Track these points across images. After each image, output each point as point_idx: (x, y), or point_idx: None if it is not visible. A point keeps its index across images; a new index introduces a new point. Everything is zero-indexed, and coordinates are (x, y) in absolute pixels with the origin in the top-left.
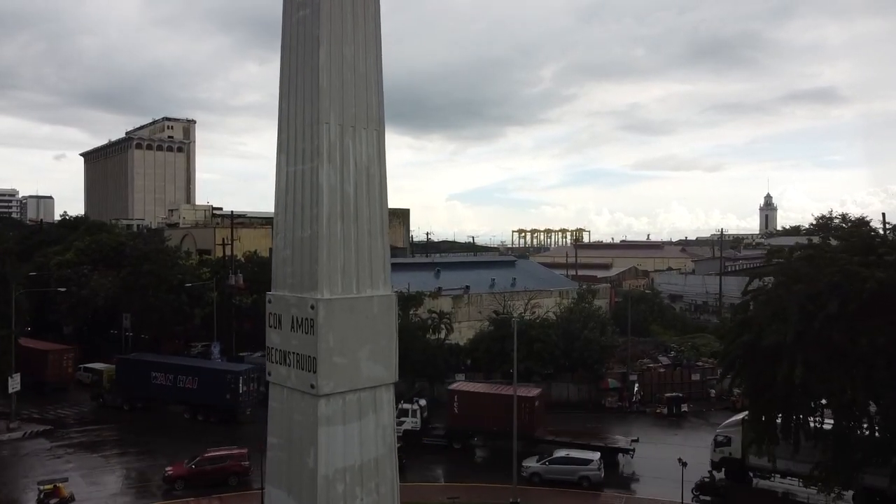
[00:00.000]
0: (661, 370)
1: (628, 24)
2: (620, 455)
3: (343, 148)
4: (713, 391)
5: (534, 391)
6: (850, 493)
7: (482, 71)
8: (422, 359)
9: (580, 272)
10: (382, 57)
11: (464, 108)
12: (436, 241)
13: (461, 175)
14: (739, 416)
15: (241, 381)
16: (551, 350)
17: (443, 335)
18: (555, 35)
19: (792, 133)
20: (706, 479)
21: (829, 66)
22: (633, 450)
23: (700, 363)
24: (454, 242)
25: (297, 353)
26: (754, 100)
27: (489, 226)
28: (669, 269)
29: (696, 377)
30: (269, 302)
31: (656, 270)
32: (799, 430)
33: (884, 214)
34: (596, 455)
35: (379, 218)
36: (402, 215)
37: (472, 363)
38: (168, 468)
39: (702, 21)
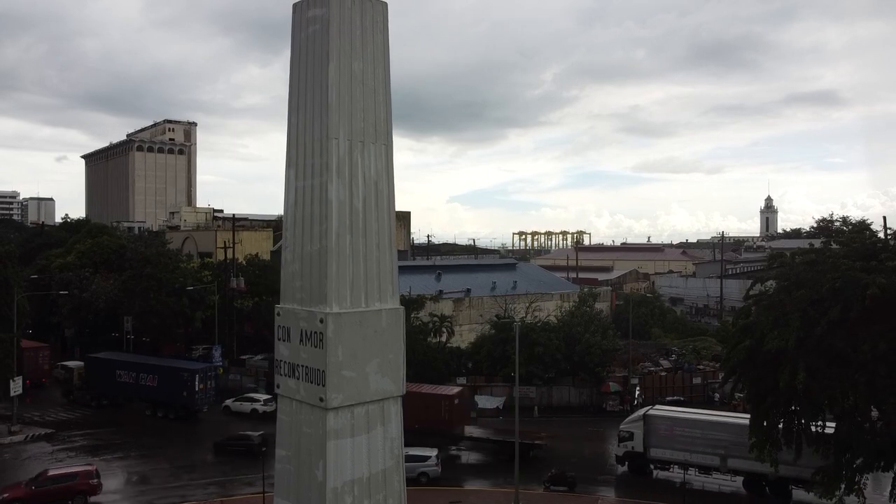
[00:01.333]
0: (663, 374)
1: (629, 27)
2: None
3: (352, 163)
4: (717, 395)
5: (454, 390)
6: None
7: (483, 73)
8: (423, 362)
9: (581, 275)
10: (390, 69)
11: (464, 111)
12: (436, 243)
13: (462, 177)
14: (641, 412)
15: (196, 379)
16: (553, 353)
17: (444, 339)
18: (556, 37)
19: (793, 135)
20: (555, 472)
21: (830, 68)
22: (545, 444)
23: (701, 367)
24: (455, 245)
25: (307, 367)
26: (755, 102)
27: (490, 228)
28: (670, 271)
29: (697, 381)
30: (278, 315)
31: (657, 273)
32: (801, 434)
33: (885, 218)
34: (433, 451)
35: (387, 231)
36: (403, 218)
37: (473, 367)
38: (4, 491)
39: (703, 23)
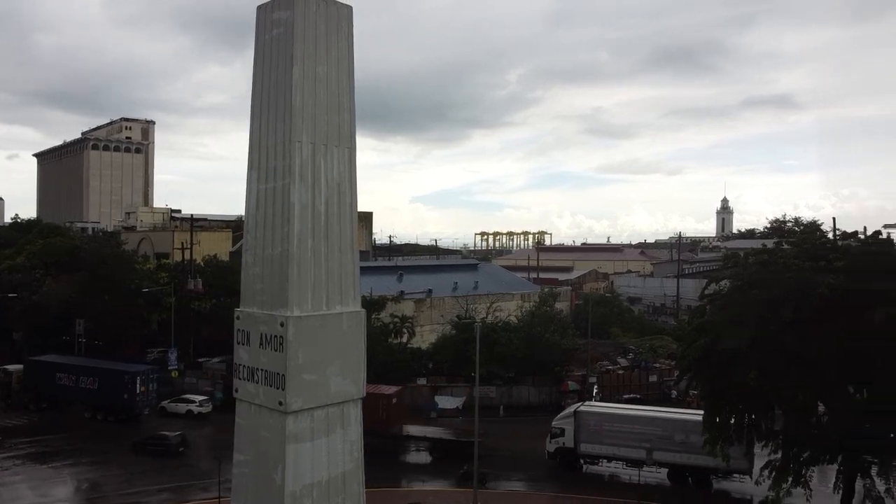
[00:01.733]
0: (620, 372)
1: (594, 30)
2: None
3: (315, 166)
4: (674, 392)
5: (391, 389)
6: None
7: (449, 74)
8: (384, 364)
9: (542, 275)
10: (354, 72)
11: (429, 111)
12: (399, 243)
13: (425, 177)
14: (572, 409)
15: (138, 381)
16: (513, 353)
17: (405, 339)
18: (522, 39)
19: (751, 138)
20: (467, 468)
21: (786, 72)
22: (481, 441)
23: (657, 364)
24: (417, 245)
25: (266, 370)
26: (716, 105)
27: (453, 228)
28: (629, 271)
29: (653, 378)
30: (238, 318)
31: (616, 273)
32: (752, 430)
33: (834, 220)
34: None
35: (349, 235)
36: (365, 218)
37: (434, 367)
38: None
39: (667, 28)
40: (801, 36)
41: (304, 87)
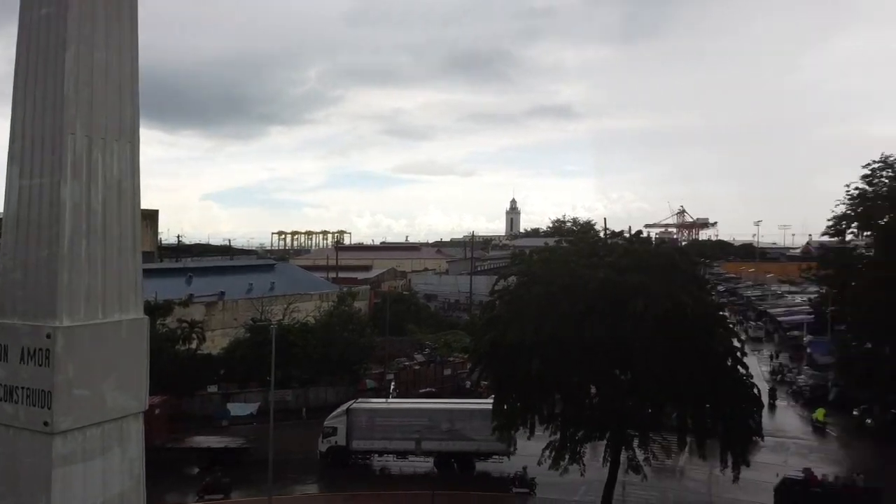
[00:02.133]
0: (416, 367)
1: (394, 32)
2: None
3: (91, 161)
4: (468, 383)
5: (154, 400)
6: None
7: (245, 67)
8: (171, 372)
9: (341, 274)
10: (139, 60)
11: (223, 104)
12: (188, 243)
13: (218, 174)
14: (344, 407)
15: None
16: (310, 354)
17: (194, 345)
18: (322, 36)
19: (537, 144)
20: (209, 480)
21: (567, 85)
22: (253, 447)
23: (452, 358)
24: (209, 245)
25: (28, 388)
26: (506, 111)
27: (248, 227)
28: (426, 269)
29: (447, 372)
30: None
31: (413, 271)
32: (534, 415)
33: (605, 220)
34: None
35: (130, 235)
36: (149, 217)
37: (226, 373)
38: None
39: (462, 35)
40: (579, 52)
41: (79, 74)
